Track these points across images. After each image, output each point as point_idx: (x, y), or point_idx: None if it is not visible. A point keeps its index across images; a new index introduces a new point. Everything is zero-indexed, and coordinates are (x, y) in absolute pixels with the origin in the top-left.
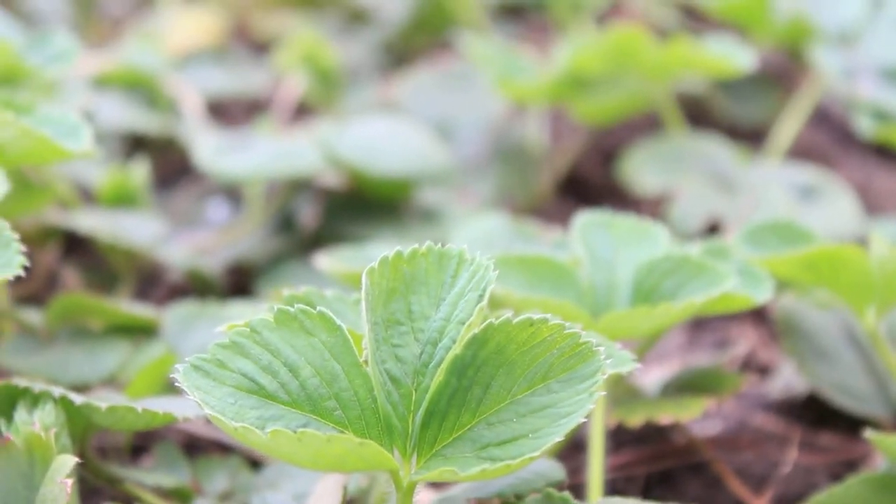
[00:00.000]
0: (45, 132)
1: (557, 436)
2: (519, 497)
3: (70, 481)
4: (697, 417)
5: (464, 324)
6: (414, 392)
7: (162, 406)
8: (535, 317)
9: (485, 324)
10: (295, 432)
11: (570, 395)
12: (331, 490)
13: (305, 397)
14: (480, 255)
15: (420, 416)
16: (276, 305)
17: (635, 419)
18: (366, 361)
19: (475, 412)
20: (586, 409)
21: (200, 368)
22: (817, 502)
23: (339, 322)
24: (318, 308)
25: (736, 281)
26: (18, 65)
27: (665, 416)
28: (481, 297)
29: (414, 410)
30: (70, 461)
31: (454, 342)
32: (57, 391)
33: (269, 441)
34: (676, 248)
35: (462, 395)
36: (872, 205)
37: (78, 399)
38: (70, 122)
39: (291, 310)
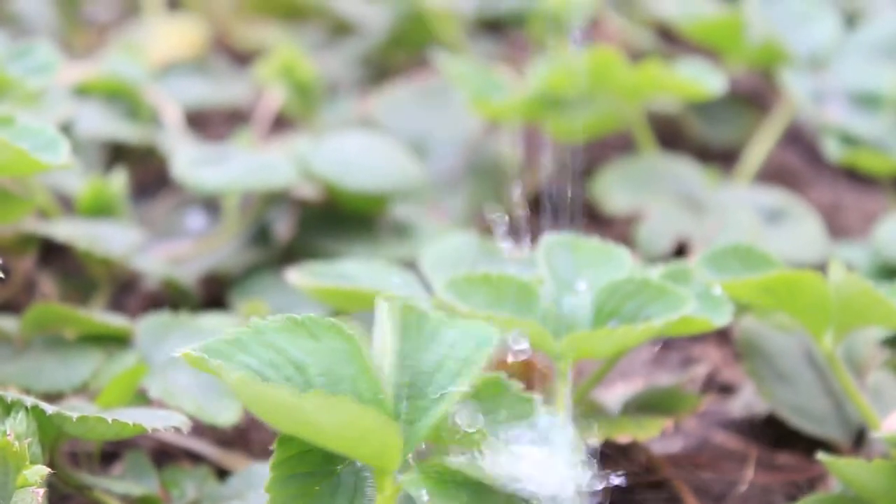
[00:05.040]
0: (22, 145)
1: None
2: None
3: (42, 491)
4: (655, 436)
5: (463, 361)
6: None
7: (132, 417)
8: (526, 396)
9: (491, 376)
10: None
11: None
12: None
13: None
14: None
15: (416, 432)
16: (284, 315)
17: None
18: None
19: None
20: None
21: (203, 360)
22: None
23: (350, 330)
24: None
25: (695, 304)
26: (0, 75)
27: (623, 435)
28: (479, 345)
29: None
30: (42, 471)
31: (453, 374)
32: (29, 400)
33: (302, 402)
34: (638, 271)
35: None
36: (841, 227)
37: (49, 409)
38: (48, 135)
39: (299, 317)
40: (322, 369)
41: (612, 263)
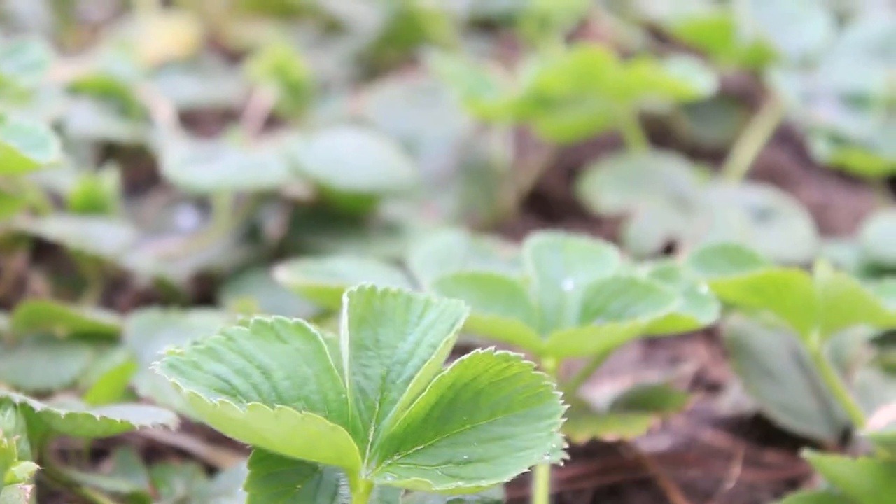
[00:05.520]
0: (13, 144)
1: (519, 467)
2: None
3: (30, 487)
4: (643, 434)
5: (434, 347)
6: (378, 405)
7: (120, 414)
8: (512, 354)
9: (471, 354)
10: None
11: (528, 431)
12: None
13: (276, 398)
14: (449, 300)
15: (385, 426)
16: (254, 317)
17: (581, 435)
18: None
19: (440, 430)
20: (546, 447)
21: (175, 367)
22: None
23: (314, 331)
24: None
25: (682, 302)
26: None
27: (610, 433)
28: (451, 326)
29: (377, 421)
30: (30, 467)
31: (423, 361)
32: (17, 397)
33: (247, 416)
34: (625, 270)
35: (433, 412)
36: (830, 226)
37: (38, 406)
38: (39, 134)
39: (268, 320)
40: (287, 372)
41: (600, 262)
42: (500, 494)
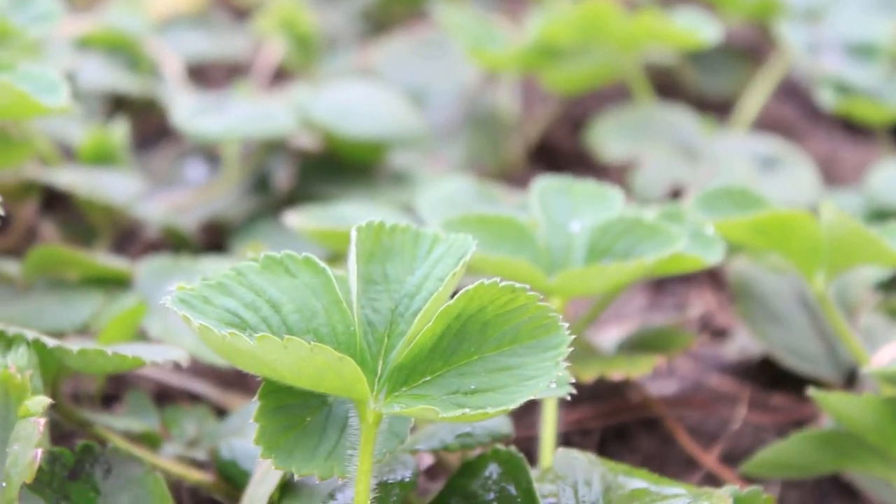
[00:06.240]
0: (24, 88)
1: (526, 394)
2: (466, 448)
3: (43, 420)
4: (649, 375)
5: (442, 280)
6: (387, 338)
7: (132, 350)
8: (518, 285)
9: (476, 283)
10: (282, 339)
11: (535, 361)
12: None
13: (285, 331)
14: (456, 235)
15: (393, 358)
16: (264, 252)
17: (588, 374)
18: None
19: (448, 361)
20: (552, 376)
21: (186, 302)
22: (762, 457)
23: (323, 265)
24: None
25: (687, 242)
26: (2, 24)
27: (617, 372)
28: (459, 259)
29: (385, 354)
30: (44, 401)
31: (431, 294)
32: (30, 334)
33: (256, 347)
34: (630, 211)
35: (440, 343)
36: (836, 177)
37: (50, 342)
38: (49, 80)
39: (278, 255)
40: (296, 306)
41: (605, 204)
42: (508, 429)
